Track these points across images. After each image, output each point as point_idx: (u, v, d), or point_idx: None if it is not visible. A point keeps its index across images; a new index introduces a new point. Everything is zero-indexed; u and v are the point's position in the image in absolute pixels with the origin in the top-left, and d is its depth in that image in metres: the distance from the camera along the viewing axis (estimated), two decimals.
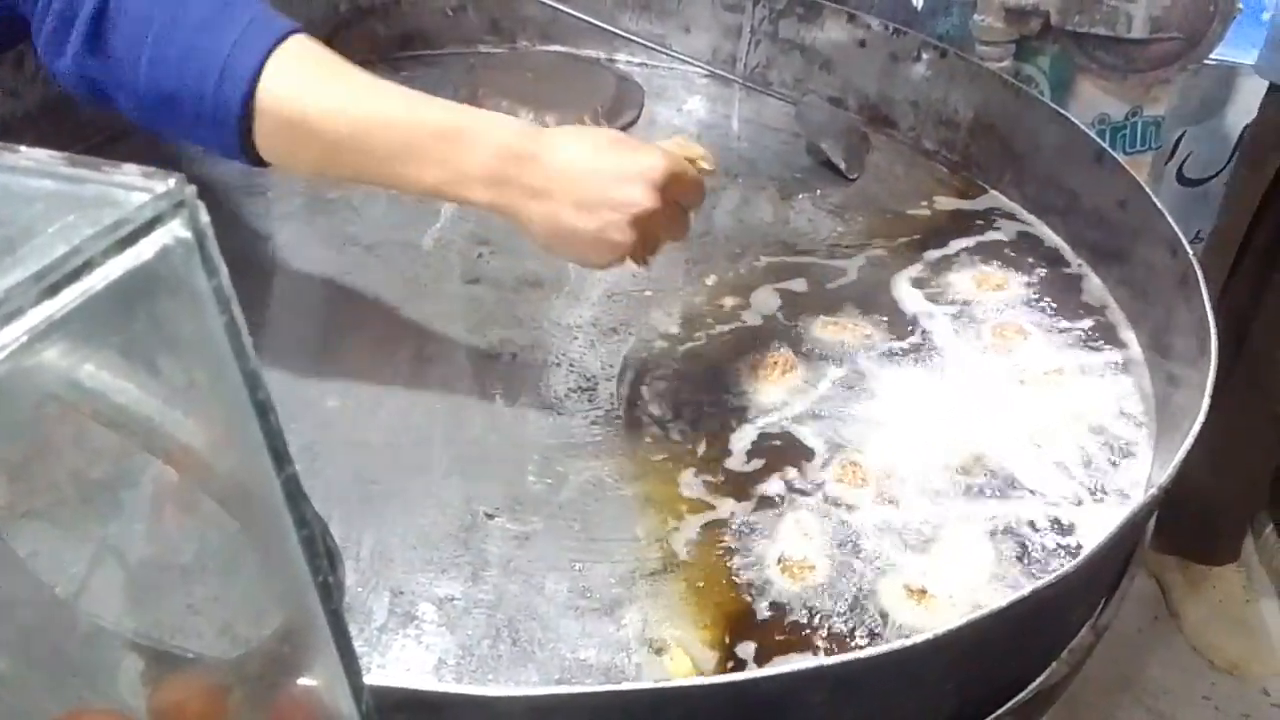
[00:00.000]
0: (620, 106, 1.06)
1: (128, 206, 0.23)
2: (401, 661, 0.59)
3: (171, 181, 0.24)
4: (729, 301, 0.85)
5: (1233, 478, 1.35)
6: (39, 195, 0.24)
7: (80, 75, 0.65)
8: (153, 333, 0.25)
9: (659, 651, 0.60)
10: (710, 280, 0.88)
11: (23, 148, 0.25)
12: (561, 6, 1.05)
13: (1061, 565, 0.65)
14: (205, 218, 0.24)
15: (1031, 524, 0.68)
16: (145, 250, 0.23)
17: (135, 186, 0.24)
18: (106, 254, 0.22)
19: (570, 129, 0.68)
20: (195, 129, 0.65)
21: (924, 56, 1.04)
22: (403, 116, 0.65)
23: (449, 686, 0.52)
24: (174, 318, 0.25)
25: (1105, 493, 0.71)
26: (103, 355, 0.25)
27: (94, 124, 0.92)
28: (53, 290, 0.22)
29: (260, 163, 0.66)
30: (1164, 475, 0.63)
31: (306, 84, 0.64)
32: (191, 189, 0.24)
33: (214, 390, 0.26)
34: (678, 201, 0.68)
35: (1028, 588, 0.54)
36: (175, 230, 0.24)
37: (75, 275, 0.22)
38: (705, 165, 0.71)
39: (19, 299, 0.21)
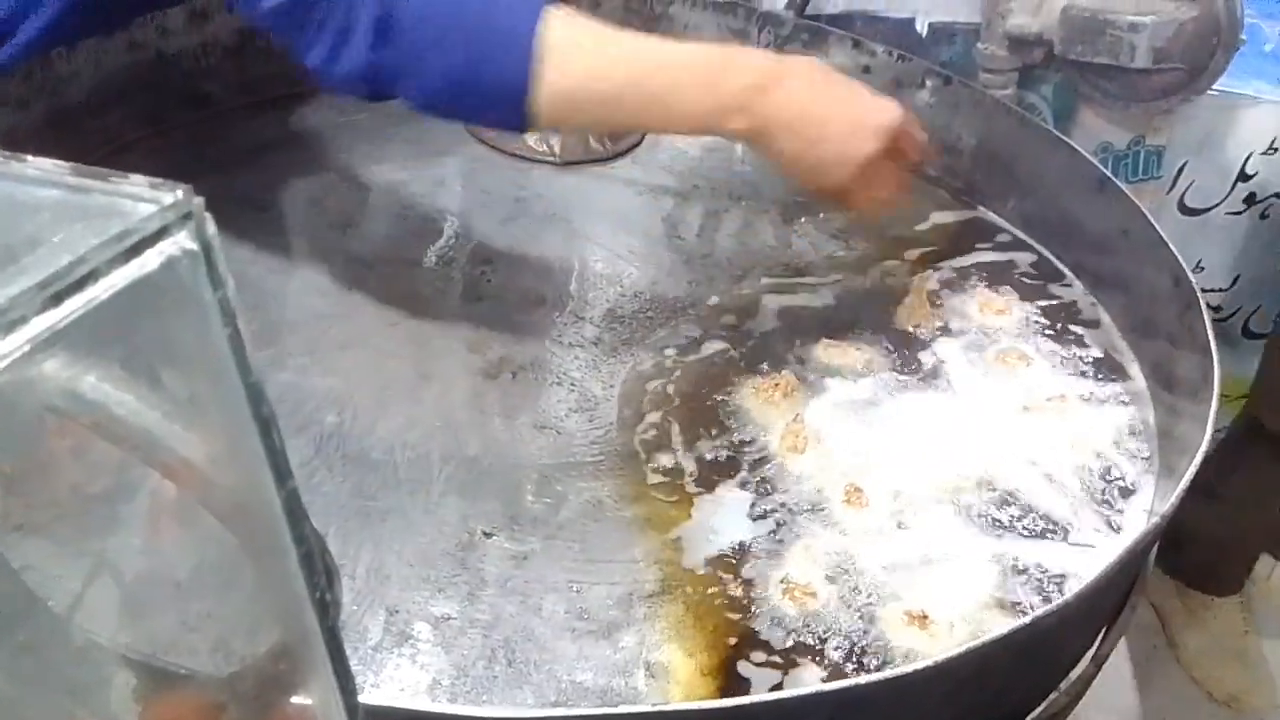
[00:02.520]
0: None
1: (134, 217, 0.23)
2: (396, 681, 0.58)
3: (179, 192, 0.24)
4: (731, 323, 0.85)
5: (1243, 514, 1.34)
6: (45, 205, 0.24)
7: (365, 77, 0.72)
8: (156, 344, 0.25)
9: (656, 675, 0.60)
10: (712, 301, 0.88)
11: (29, 157, 0.25)
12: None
13: (1062, 594, 0.64)
14: (212, 229, 0.24)
15: (1033, 552, 0.68)
16: (151, 261, 0.23)
17: (142, 197, 0.24)
18: (111, 264, 0.22)
19: (811, 61, 0.77)
20: (483, 108, 0.73)
21: (928, 83, 1.04)
22: (669, 59, 0.74)
23: (444, 707, 0.52)
24: (178, 330, 0.25)
25: (1107, 522, 0.70)
26: (105, 366, 0.25)
27: (102, 135, 0.93)
28: (56, 299, 0.22)
29: (531, 129, 0.75)
30: (1165, 505, 0.62)
31: (579, 45, 0.72)
32: (199, 200, 0.24)
33: (216, 404, 0.26)
34: (899, 152, 0.78)
35: (1029, 616, 0.54)
36: (182, 241, 0.23)
37: (79, 285, 0.22)
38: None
39: (22, 308, 0.21)
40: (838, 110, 0.75)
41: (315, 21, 0.71)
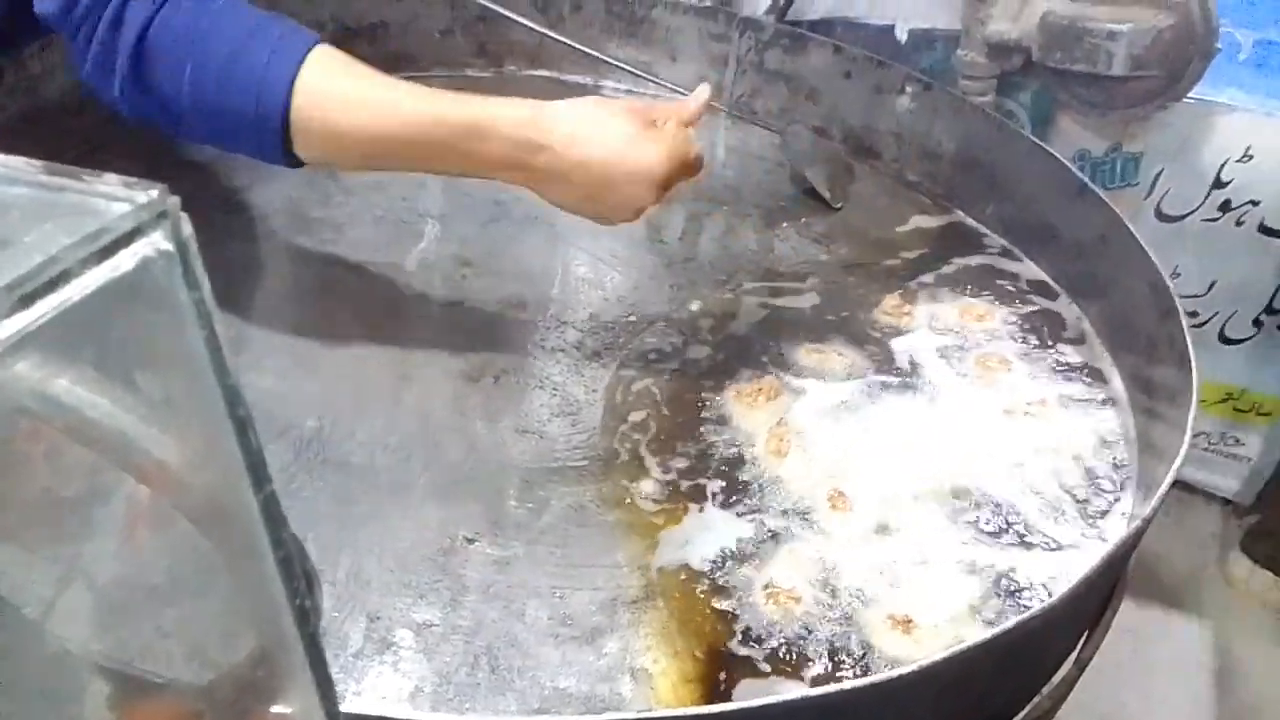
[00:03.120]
0: None
1: (108, 216, 0.23)
2: (377, 689, 0.58)
3: (154, 192, 0.23)
4: (713, 327, 0.85)
5: None
6: (15, 204, 0.23)
7: (129, 105, 0.71)
8: (130, 346, 0.25)
9: (640, 680, 0.59)
10: (695, 306, 0.87)
11: (1, 155, 0.25)
12: (549, 32, 1.05)
13: (1045, 598, 0.65)
14: (188, 229, 0.24)
15: (1015, 556, 0.68)
16: (125, 261, 0.22)
17: (116, 196, 0.23)
18: (84, 264, 0.22)
19: (581, 112, 0.72)
20: (240, 142, 0.71)
21: (908, 89, 1.05)
22: (426, 118, 0.70)
23: (426, 715, 0.51)
24: (153, 331, 0.24)
25: (1088, 526, 0.71)
26: (78, 369, 0.25)
27: (77, 134, 0.91)
28: (27, 301, 0.21)
29: (300, 164, 0.73)
30: (1146, 509, 0.63)
31: (335, 92, 0.70)
32: (174, 200, 0.23)
33: (192, 406, 0.26)
34: (671, 185, 0.75)
35: (1012, 620, 0.54)
36: (156, 242, 0.23)
37: (51, 286, 0.21)
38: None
39: None
40: (609, 168, 0.71)
41: (84, 35, 0.69)
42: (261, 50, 0.68)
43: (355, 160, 0.74)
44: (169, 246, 0.23)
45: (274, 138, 0.69)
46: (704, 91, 0.78)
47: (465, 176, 0.75)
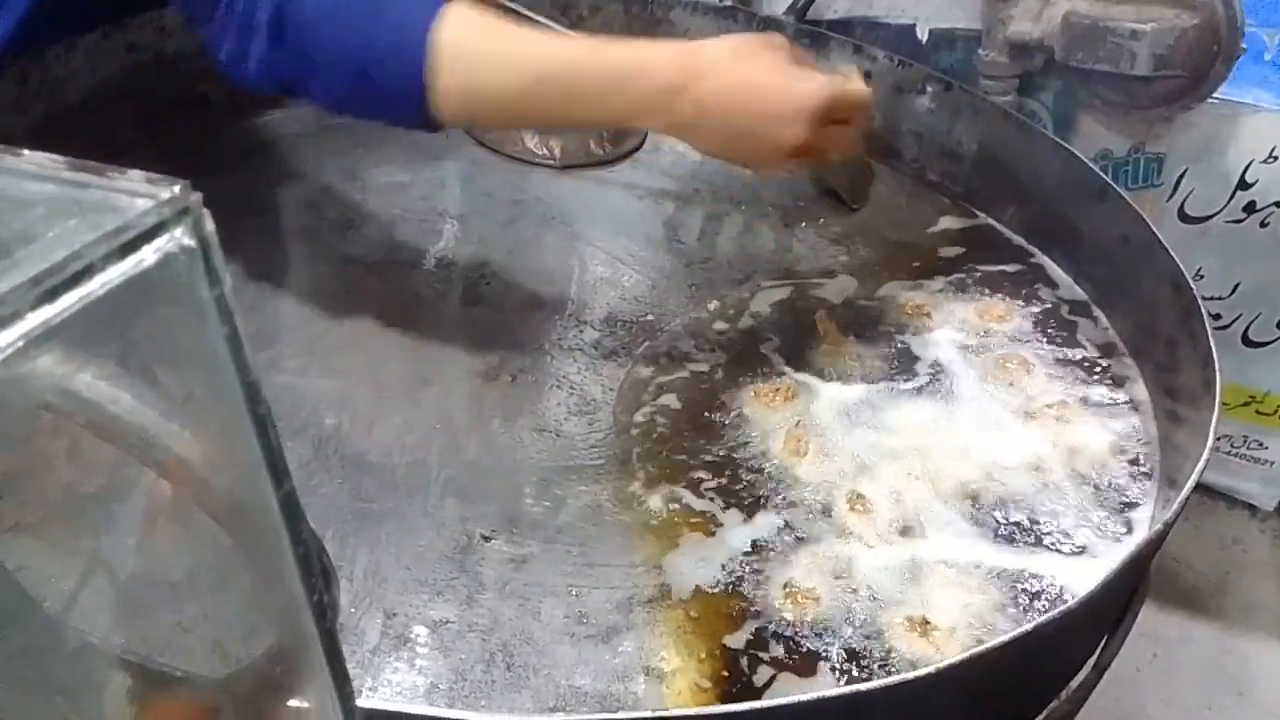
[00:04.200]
0: (625, 131, 1.06)
1: (130, 212, 0.23)
2: (393, 685, 0.58)
3: (176, 188, 0.23)
4: (730, 327, 0.85)
5: None
6: (40, 199, 0.24)
7: (270, 74, 0.71)
8: (152, 342, 0.25)
9: (656, 680, 0.59)
10: (712, 305, 0.87)
11: (25, 151, 0.25)
12: (569, 34, 1.06)
13: (1064, 601, 0.64)
14: (210, 226, 0.24)
15: (1034, 559, 0.67)
16: (147, 257, 0.23)
17: (139, 192, 0.23)
18: (107, 260, 0.22)
19: (728, 48, 0.71)
20: (382, 104, 0.72)
21: (928, 89, 1.04)
22: (574, 61, 0.70)
23: (443, 712, 0.51)
24: (174, 327, 0.24)
25: (1109, 529, 0.70)
26: (100, 364, 0.25)
27: (99, 136, 0.92)
28: (51, 295, 0.21)
29: (439, 127, 0.72)
30: (1168, 514, 0.62)
31: (476, 45, 0.69)
32: (197, 196, 0.23)
33: (213, 403, 0.26)
34: (843, 121, 0.73)
35: (1031, 623, 0.53)
36: (179, 238, 0.23)
37: (74, 280, 0.22)
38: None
39: (15, 303, 0.21)
40: (758, 103, 0.70)
41: (219, 17, 0.70)
42: (396, 7, 0.69)
43: (498, 116, 0.74)
44: (191, 243, 0.23)
45: (417, 97, 0.68)
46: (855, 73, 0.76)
47: (609, 126, 0.77)
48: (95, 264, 0.22)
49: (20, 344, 0.21)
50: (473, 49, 0.69)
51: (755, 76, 0.70)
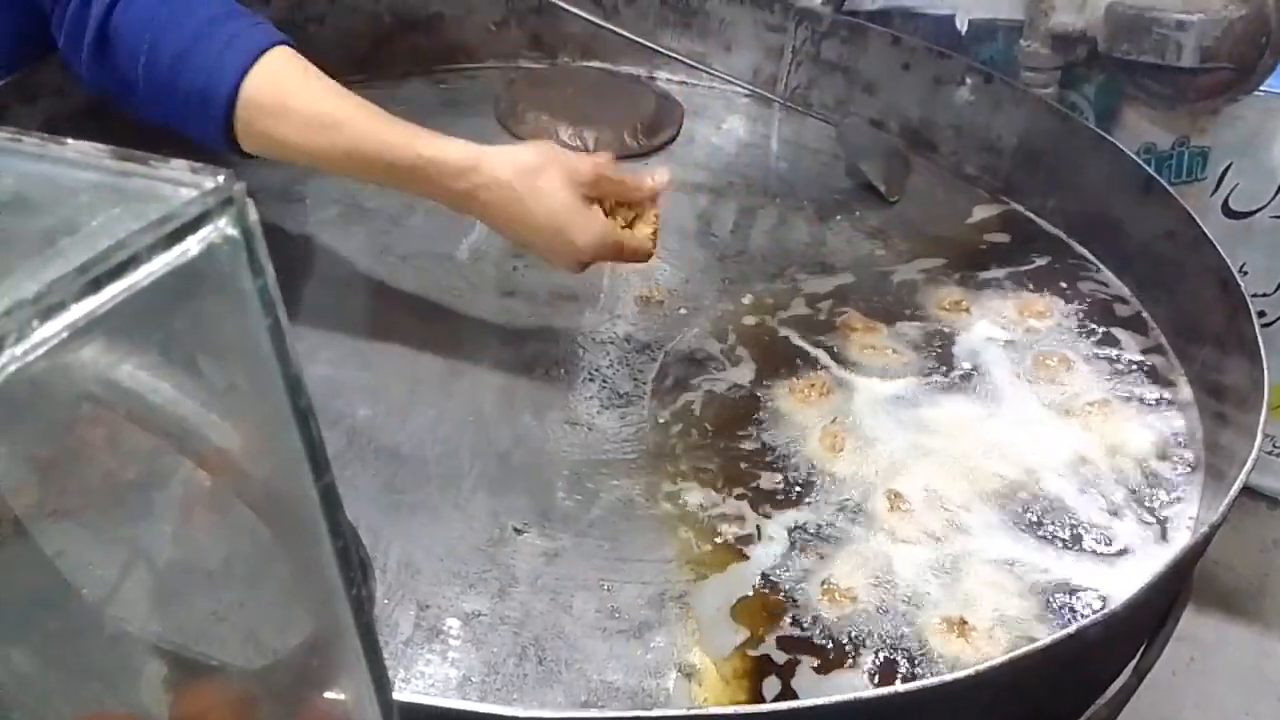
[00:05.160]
0: (659, 124, 1.06)
1: (175, 202, 0.23)
2: (426, 677, 0.58)
3: (220, 178, 0.23)
4: (765, 321, 0.84)
5: None
6: (84, 188, 0.23)
7: (93, 79, 0.74)
8: (195, 332, 0.25)
9: (688, 676, 0.59)
10: (746, 299, 0.87)
11: (69, 140, 0.25)
12: (604, 24, 1.05)
13: (1105, 604, 0.63)
14: (254, 216, 0.23)
15: (1075, 561, 0.66)
16: (191, 247, 0.22)
17: (183, 182, 0.23)
18: (152, 250, 0.22)
19: (512, 168, 0.71)
20: (188, 126, 0.73)
21: (968, 81, 1.03)
22: (368, 150, 0.71)
23: (475, 705, 0.51)
24: (217, 318, 0.24)
25: (1151, 531, 0.69)
26: (143, 354, 0.25)
27: (140, 126, 0.93)
28: (95, 285, 0.21)
29: (244, 155, 0.74)
30: (1214, 515, 0.61)
31: (283, 98, 0.70)
32: (240, 186, 0.23)
33: (255, 394, 0.26)
34: (613, 256, 0.74)
35: (1073, 626, 0.52)
36: (223, 228, 0.23)
37: (119, 271, 0.21)
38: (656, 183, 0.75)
39: (60, 293, 0.20)
40: (534, 235, 0.72)
41: (59, 16, 0.73)
42: (220, 38, 0.70)
43: (295, 161, 0.74)
44: (235, 233, 0.23)
45: (217, 126, 0.71)
46: (663, 175, 0.75)
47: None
48: (140, 254, 0.21)
49: (65, 334, 0.21)
50: (279, 102, 0.70)
51: (534, 210, 0.70)
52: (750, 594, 0.63)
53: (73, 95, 0.89)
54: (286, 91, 0.71)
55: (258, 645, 0.38)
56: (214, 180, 0.23)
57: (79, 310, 0.21)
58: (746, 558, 0.65)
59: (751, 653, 0.60)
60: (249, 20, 0.73)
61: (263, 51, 0.70)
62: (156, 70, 0.71)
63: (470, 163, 0.71)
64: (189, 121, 0.72)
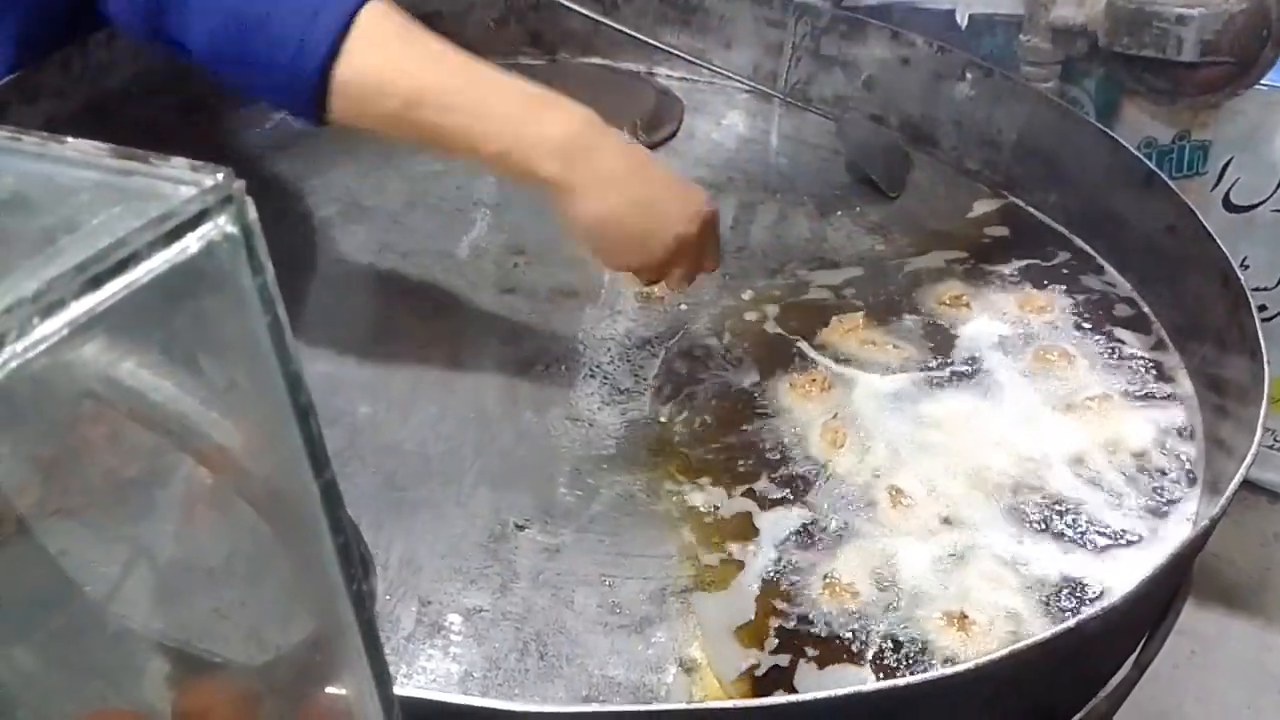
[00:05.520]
0: (659, 120, 1.06)
1: (174, 200, 0.23)
2: (427, 672, 0.58)
3: (219, 176, 0.23)
4: (765, 316, 0.84)
5: None
6: (84, 186, 0.24)
7: (153, 27, 0.66)
8: (195, 330, 0.25)
9: (689, 671, 0.59)
10: (747, 295, 0.87)
11: (69, 139, 0.25)
12: (603, 19, 1.05)
13: (1105, 598, 0.63)
14: (253, 214, 0.24)
15: (1075, 555, 0.66)
16: (191, 244, 0.22)
17: (183, 180, 0.23)
18: (151, 247, 0.22)
19: (629, 140, 0.71)
20: (267, 84, 0.66)
21: (968, 75, 1.03)
22: (488, 79, 0.66)
23: (477, 700, 0.51)
24: (217, 315, 0.24)
25: (1151, 525, 0.69)
26: (143, 352, 0.25)
27: (142, 124, 0.93)
28: (95, 283, 0.21)
29: (325, 122, 0.67)
30: (1213, 510, 0.61)
31: (388, 45, 0.65)
32: (240, 184, 0.23)
33: (255, 391, 0.26)
34: (703, 248, 0.72)
35: (1073, 620, 0.52)
36: (222, 225, 0.23)
37: (119, 268, 0.22)
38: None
39: (60, 290, 0.21)
40: (660, 185, 0.68)
41: None
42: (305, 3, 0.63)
43: (391, 117, 0.66)
44: (234, 230, 0.23)
45: (308, 95, 0.64)
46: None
47: (498, 162, 0.68)
48: (140, 251, 0.22)
49: (65, 332, 0.21)
50: (384, 40, 0.64)
51: (655, 165, 0.70)
52: (750, 588, 0.63)
53: (73, 96, 0.90)
54: (397, 26, 0.65)
55: (260, 642, 0.38)
56: (213, 178, 0.23)
57: (79, 307, 0.21)
58: (747, 553, 0.65)
59: (752, 648, 0.60)
60: None
61: (356, 12, 0.63)
62: (234, 33, 0.64)
63: (574, 139, 0.66)
64: (270, 89, 0.67)
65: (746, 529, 0.67)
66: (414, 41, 0.66)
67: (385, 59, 0.65)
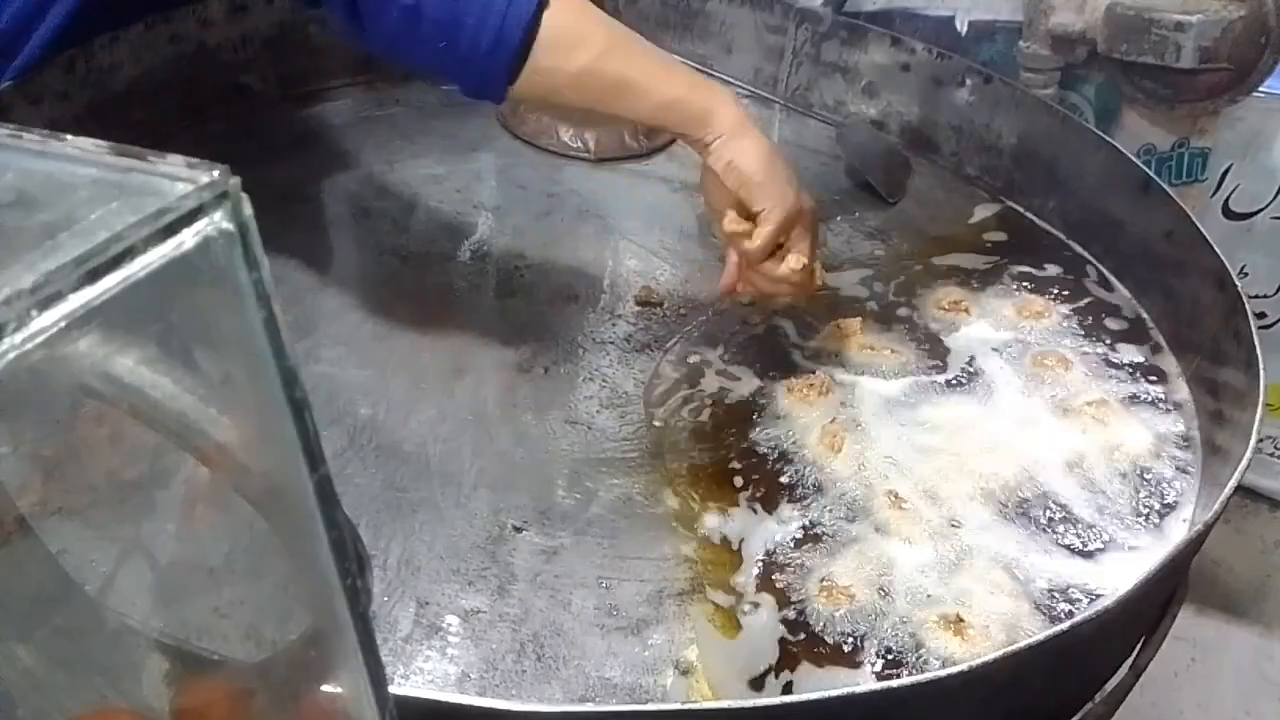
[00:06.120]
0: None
1: (170, 195, 0.23)
2: (425, 673, 0.58)
3: (215, 172, 0.24)
4: (764, 321, 0.85)
5: None
6: (82, 183, 0.24)
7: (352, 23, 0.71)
8: (191, 325, 0.25)
9: (685, 673, 0.59)
10: (745, 299, 0.87)
11: (68, 136, 0.25)
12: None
13: (1101, 601, 0.63)
14: (248, 210, 0.24)
15: (1071, 559, 0.66)
16: (187, 240, 0.23)
17: (179, 176, 0.24)
18: (148, 242, 0.22)
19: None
20: (456, 61, 0.69)
21: (968, 82, 1.03)
22: (664, 66, 0.73)
23: (473, 700, 0.51)
24: (213, 311, 0.24)
25: (1147, 530, 0.69)
26: (140, 346, 0.25)
27: (142, 126, 0.94)
28: (92, 276, 0.21)
29: (507, 87, 0.70)
30: (1208, 514, 0.61)
31: (574, 3, 0.70)
32: (235, 180, 0.24)
33: (250, 386, 0.26)
34: (812, 228, 0.77)
35: (1067, 623, 0.53)
36: (218, 221, 0.23)
37: (116, 262, 0.22)
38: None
39: (58, 283, 0.21)
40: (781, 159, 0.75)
41: None
42: None
43: (562, 98, 0.72)
44: (230, 226, 0.23)
45: (503, 65, 0.68)
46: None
47: (664, 114, 0.74)
48: (136, 246, 0.22)
49: (62, 324, 0.21)
50: (575, 50, 0.70)
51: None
52: (747, 590, 0.63)
53: (76, 98, 0.90)
54: (579, 20, 0.70)
55: (257, 639, 0.38)
56: (209, 175, 0.23)
57: (76, 300, 0.21)
58: (745, 556, 0.65)
59: (748, 649, 0.60)
60: None
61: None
62: (430, 15, 0.68)
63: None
64: (461, 68, 0.70)
65: (744, 532, 0.67)
66: (599, 20, 0.72)
67: (580, 13, 0.71)
